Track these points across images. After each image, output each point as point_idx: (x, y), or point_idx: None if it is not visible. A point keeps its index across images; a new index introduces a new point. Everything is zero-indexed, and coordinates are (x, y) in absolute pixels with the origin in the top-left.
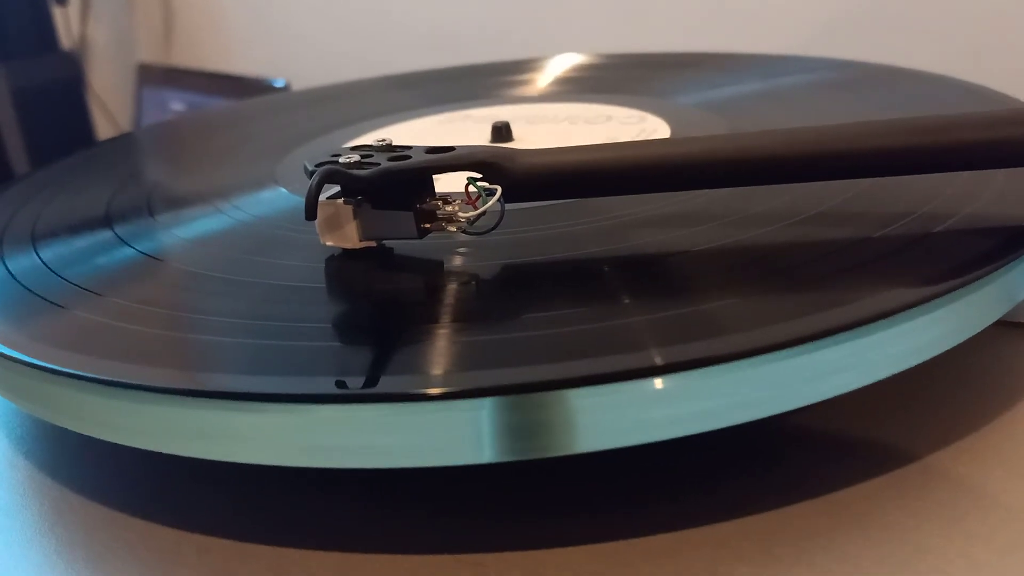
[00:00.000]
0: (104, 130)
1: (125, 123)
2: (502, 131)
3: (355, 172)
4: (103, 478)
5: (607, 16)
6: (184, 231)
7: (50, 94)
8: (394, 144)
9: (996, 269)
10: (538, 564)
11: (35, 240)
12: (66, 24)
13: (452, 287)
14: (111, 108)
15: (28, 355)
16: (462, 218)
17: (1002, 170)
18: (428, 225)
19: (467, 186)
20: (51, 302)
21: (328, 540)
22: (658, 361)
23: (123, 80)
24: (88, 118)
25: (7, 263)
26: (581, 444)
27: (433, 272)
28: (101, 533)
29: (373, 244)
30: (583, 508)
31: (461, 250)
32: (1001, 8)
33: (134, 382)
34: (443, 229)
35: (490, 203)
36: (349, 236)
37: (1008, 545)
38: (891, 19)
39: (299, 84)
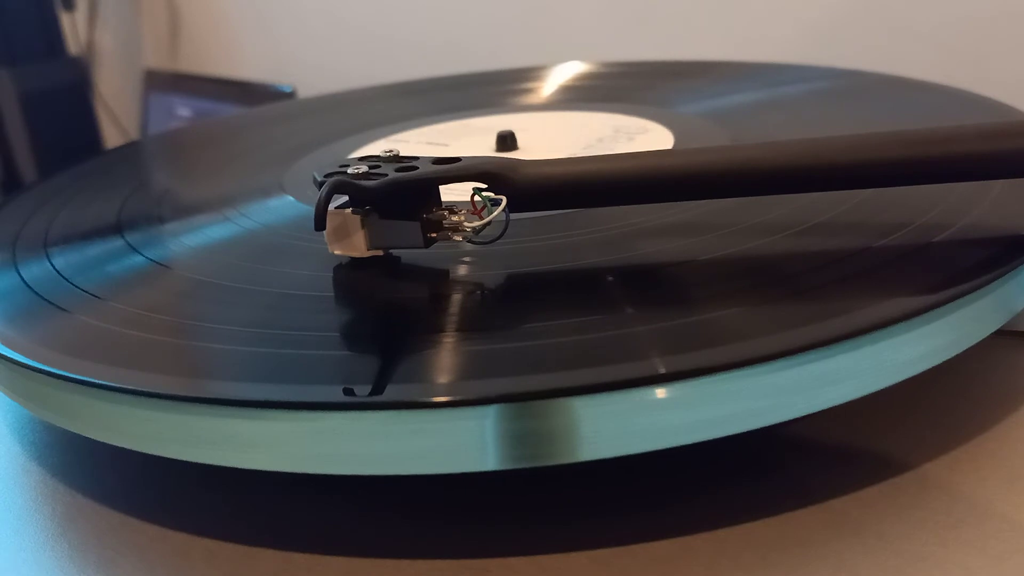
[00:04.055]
0: (111, 135)
1: (132, 129)
2: (507, 140)
3: (363, 183)
4: (114, 483)
5: (611, 25)
6: (193, 239)
7: (57, 99)
8: (401, 155)
9: (995, 279)
10: (540, 569)
11: (47, 247)
12: (73, 30)
13: (457, 296)
14: (118, 113)
15: (40, 361)
16: (468, 228)
17: (1001, 180)
18: (434, 234)
19: (473, 196)
20: (63, 309)
21: (334, 545)
22: (661, 370)
23: (130, 86)
24: (95, 123)
25: (20, 270)
26: (584, 452)
27: (439, 281)
28: (111, 537)
29: (380, 253)
30: (585, 514)
31: (466, 259)
32: (1001, 16)
33: (143, 389)
34: (449, 238)
35: (495, 213)
36: (357, 245)
37: (1003, 553)
38: (892, 27)
39: (305, 90)
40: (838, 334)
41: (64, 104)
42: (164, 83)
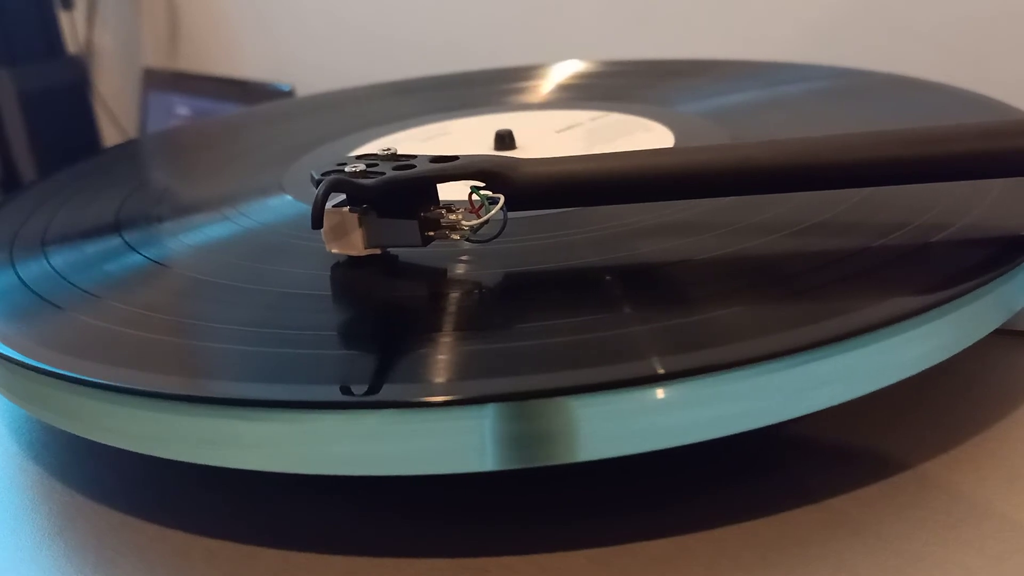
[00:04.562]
0: (110, 135)
1: (131, 128)
2: (505, 139)
3: (360, 181)
4: (112, 482)
5: (611, 26)
6: (191, 238)
7: (56, 98)
8: (399, 153)
9: (994, 279)
10: (539, 569)
11: (46, 246)
12: (72, 29)
13: (455, 295)
14: (117, 113)
15: (38, 360)
16: (465, 226)
17: (1000, 180)
18: (432, 233)
19: (470, 195)
20: (61, 308)
21: (333, 544)
22: (659, 370)
23: (129, 85)
24: (94, 122)
25: (18, 269)
26: (583, 452)
27: (437, 280)
28: (109, 537)
29: (378, 252)
30: (584, 514)
31: (464, 258)
32: (1001, 16)
33: (142, 388)
34: (447, 237)
35: (493, 212)
36: (354, 244)
37: (1002, 553)
38: (892, 27)
39: (304, 89)
40: (837, 334)
41: (63, 103)
42: (163, 82)
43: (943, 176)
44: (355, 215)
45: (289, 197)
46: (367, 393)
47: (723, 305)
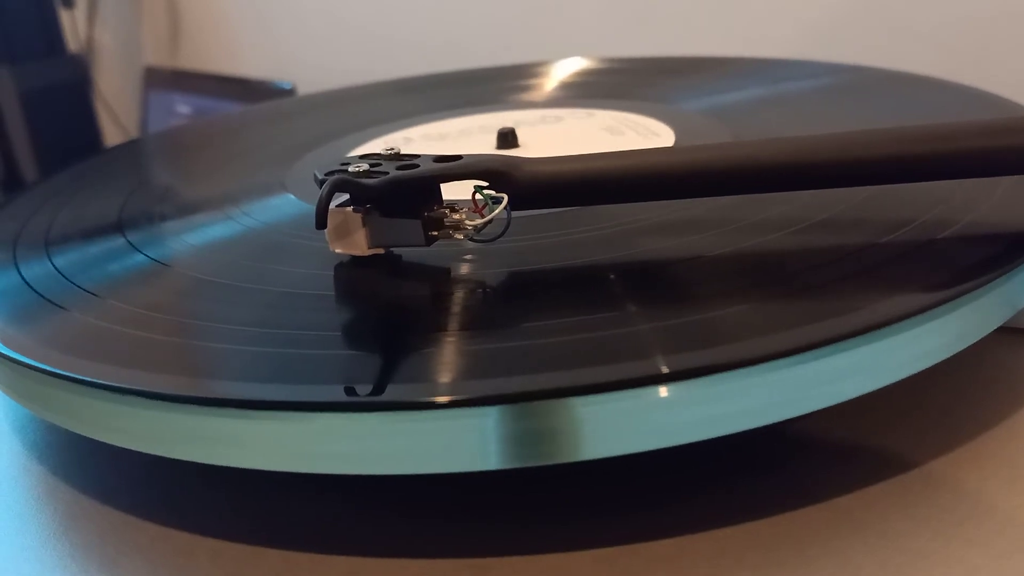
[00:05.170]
0: (110, 133)
1: (131, 126)
2: (508, 137)
3: (364, 181)
4: (116, 482)
5: (611, 26)
6: (194, 237)
7: (57, 97)
8: (402, 152)
9: (999, 276)
10: (541, 569)
11: (48, 246)
12: (73, 27)
13: (459, 295)
14: (118, 111)
15: (41, 361)
16: (469, 226)
17: (1005, 177)
18: (435, 233)
19: (474, 194)
20: (63, 308)
21: (336, 544)
22: (663, 369)
23: (130, 83)
24: (95, 121)
25: (21, 269)
26: (586, 451)
27: (440, 280)
28: (114, 536)
29: (381, 251)
30: (587, 513)
31: (468, 257)
32: (1001, 16)
33: (145, 388)
34: (450, 237)
35: (497, 211)
36: (358, 243)
37: (1006, 551)
38: (892, 27)
39: (305, 88)
40: (840, 332)
41: (64, 102)
42: (164, 80)
43: (947, 174)
44: (359, 215)
45: (291, 196)
46: (370, 393)
47: (727, 303)
